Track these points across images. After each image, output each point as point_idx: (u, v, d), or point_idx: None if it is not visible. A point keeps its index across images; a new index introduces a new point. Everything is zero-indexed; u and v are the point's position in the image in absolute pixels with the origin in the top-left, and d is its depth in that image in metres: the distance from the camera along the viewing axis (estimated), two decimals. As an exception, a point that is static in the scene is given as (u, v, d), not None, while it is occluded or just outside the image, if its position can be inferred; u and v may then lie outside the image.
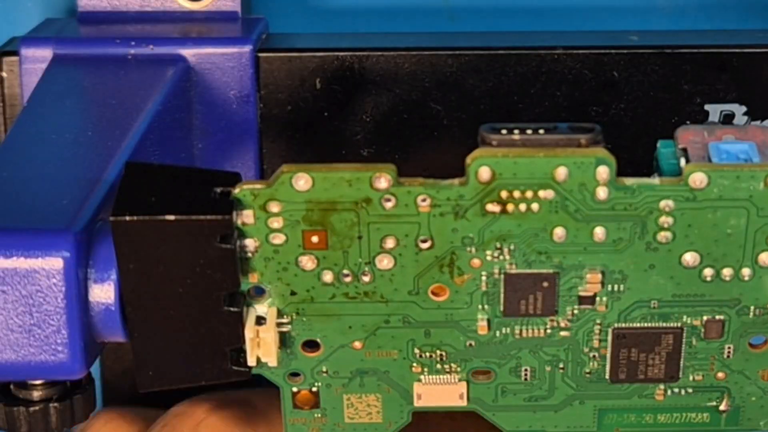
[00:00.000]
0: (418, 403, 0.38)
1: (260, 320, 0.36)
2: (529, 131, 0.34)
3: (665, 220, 0.35)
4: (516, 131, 0.34)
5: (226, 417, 0.43)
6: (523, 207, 0.35)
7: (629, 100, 0.47)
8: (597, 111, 0.47)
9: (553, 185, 0.34)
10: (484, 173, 0.34)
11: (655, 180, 0.35)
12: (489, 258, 0.35)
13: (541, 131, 0.34)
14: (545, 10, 0.52)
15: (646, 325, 0.36)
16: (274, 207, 0.34)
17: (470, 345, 0.37)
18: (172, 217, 0.34)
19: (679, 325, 0.36)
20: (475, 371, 0.37)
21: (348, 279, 0.36)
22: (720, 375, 0.37)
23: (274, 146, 0.47)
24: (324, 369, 0.37)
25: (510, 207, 0.35)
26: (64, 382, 0.37)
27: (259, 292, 0.36)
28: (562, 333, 0.37)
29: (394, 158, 0.47)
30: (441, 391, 0.38)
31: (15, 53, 0.46)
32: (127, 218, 0.34)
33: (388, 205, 0.34)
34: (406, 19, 0.53)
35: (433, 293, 0.36)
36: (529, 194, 0.34)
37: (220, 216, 0.34)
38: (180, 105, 0.45)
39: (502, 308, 0.36)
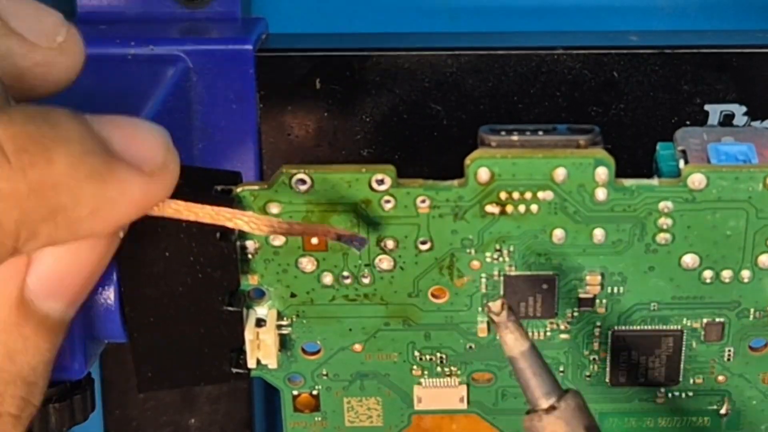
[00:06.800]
0: (418, 407, 0.38)
1: (260, 322, 0.36)
2: (528, 132, 0.34)
3: (664, 222, 0.35)
4: (515, 132, 0.34)
5: None
6: (522, 208, 0.35)
7: (629, 101, 0.47)
8: (597, 111, 0.47)
9: (552, 186, 0.34)
10: (483, 174, 0.34)
11: (654, 181, 0.35)
12: (488, 260, 0.35)
13: (540, 132, 0.34)
14: (545, 10, 0.52)
15: (645, 327, 0.36)
16: (274, 208, 0.34)
17: (470, 348, 0.37)
18: None
19: (679, 327, 0.36)
20: (475, 374, 0.37)
21: (348, 281, 0.36)
22: (720, 378, 0.37)
23: (274, 146, 0.47)
24: (324, 372, 0.37)
25: (509, 208, 0.35)
26: (64, 383, 0.37)
27: (259, 294, 0.36)
28: (562, 336, 0.37)
29: (394, 158, 0.47)
30: (441, 395, 0.37)
31: (15, 53, 0.46)
32: None
33: (388, 206, 0.34)
34: (406, 19, 0.52)
35: (433, 295, 0.36)
36: (528, 195, 0.34)
37: None
38: (180, 105, 0.45)
39: (502, 310, 0.36)
